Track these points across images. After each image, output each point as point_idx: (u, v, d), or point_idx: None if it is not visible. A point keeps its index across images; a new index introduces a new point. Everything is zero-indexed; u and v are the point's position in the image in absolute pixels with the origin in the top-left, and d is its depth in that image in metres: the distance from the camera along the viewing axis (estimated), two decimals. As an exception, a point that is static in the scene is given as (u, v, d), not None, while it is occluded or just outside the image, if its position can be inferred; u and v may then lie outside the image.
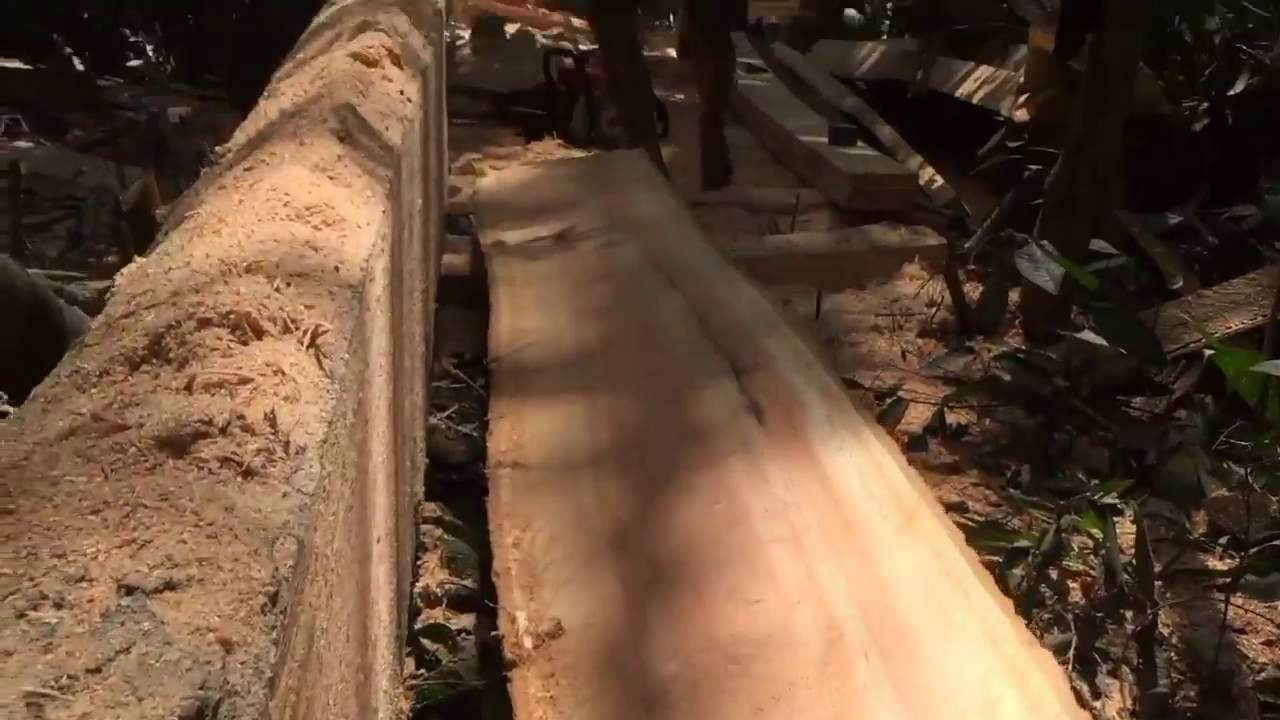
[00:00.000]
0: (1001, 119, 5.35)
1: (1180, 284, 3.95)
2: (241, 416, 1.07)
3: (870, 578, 1.98)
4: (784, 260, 4.62)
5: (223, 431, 1.05)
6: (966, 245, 4.99)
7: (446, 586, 2.50)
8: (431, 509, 2.69)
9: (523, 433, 2.60)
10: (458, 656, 2.24)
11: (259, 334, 1.25)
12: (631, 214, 4.02)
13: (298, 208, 1.67)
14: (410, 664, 2.24)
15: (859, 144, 6.07)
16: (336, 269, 1.51)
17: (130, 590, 0.84)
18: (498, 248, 3.87)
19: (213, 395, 1.12)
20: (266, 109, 2.46)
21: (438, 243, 3.84)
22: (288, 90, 2.52)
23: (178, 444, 1.03)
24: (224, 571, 0.88)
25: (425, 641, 2.28)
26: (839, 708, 1.75)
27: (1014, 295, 4.14)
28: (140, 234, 2.70)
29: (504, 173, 4.96)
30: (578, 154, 6.13)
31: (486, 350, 3.72)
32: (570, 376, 2.83)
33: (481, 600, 2.52)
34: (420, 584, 2.47)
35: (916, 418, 3.55)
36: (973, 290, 4.41)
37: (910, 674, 1.82)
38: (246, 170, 1.88)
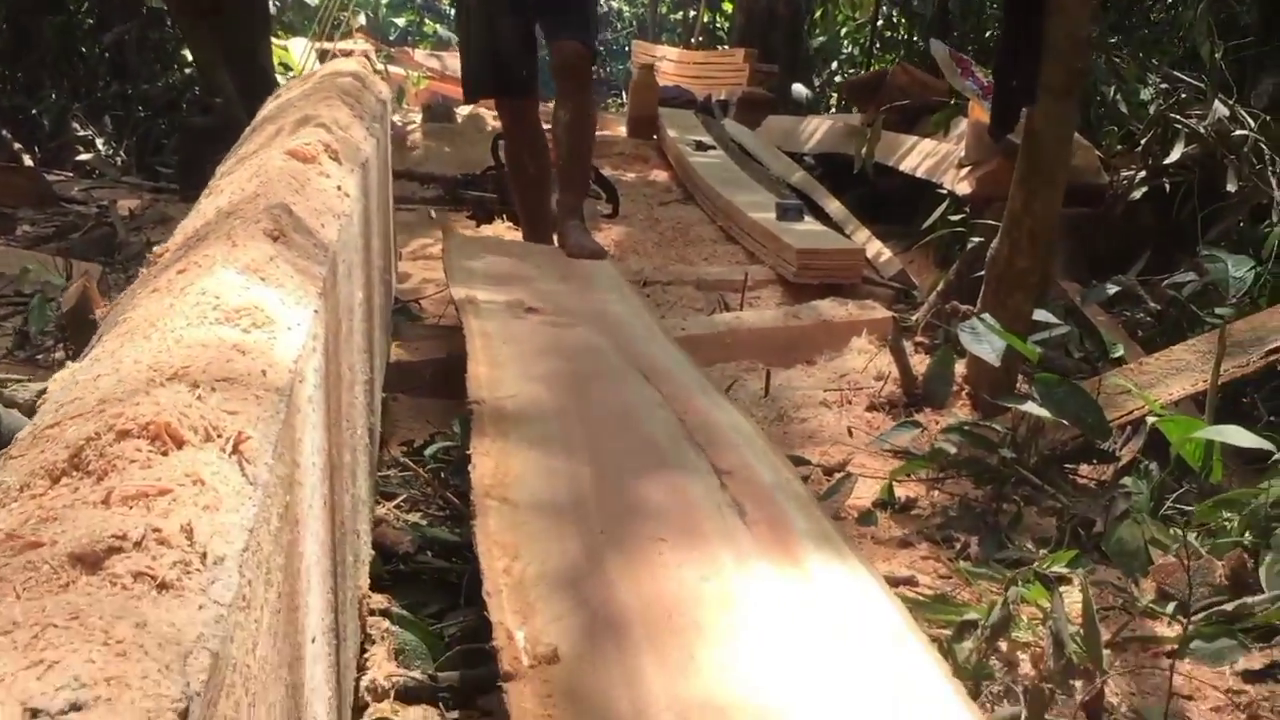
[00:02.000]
0: (945, 192, 5.42)
1: (1122, 352, 3.99)
2: (158, 529, 1.08)
3: (862, 686, 1.97)
4: (733, 337, 4.65)
5: (137, 546, 1.05)
6: (913, 318, 5.04)
7: (394, 679, 2.48)
8: (379, 601, 2.69)
9: (507, 472, 2.59)
10: (405, 754, 2.23)
11: (179, 444, 1.26)
12: (599, 307, 4.06)
13: (227, 310, 1.68)
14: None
15: (806, 219, 6.13)
16: (264, 372, 1.52)
17: (36, 713, 0.84)
18: (470, 304, 3.88)
19: (130, 508, 1.13)
20: (205, 208, 2.49)
21: (384, 331, 3.85)
22: (226, 188, 2.54)
23: (91, 560, 1.03)
24: (132, 689, 0.88)
25: (371, 738, 2.26)
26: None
27: (961, 368, 4.17)
28: (78, 335, 2.70)
29: (470, 241, 5.00)
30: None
31: (434, 435, 3.75)
32: (552, 437, 2.82)
33: (433, 693, 2.51)
34: (367, 678, 2.46)
35: (865, 492, 3.57)
36: (920, 364, 4.45)
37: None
38: (180, 273, 1.89)
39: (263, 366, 1.54)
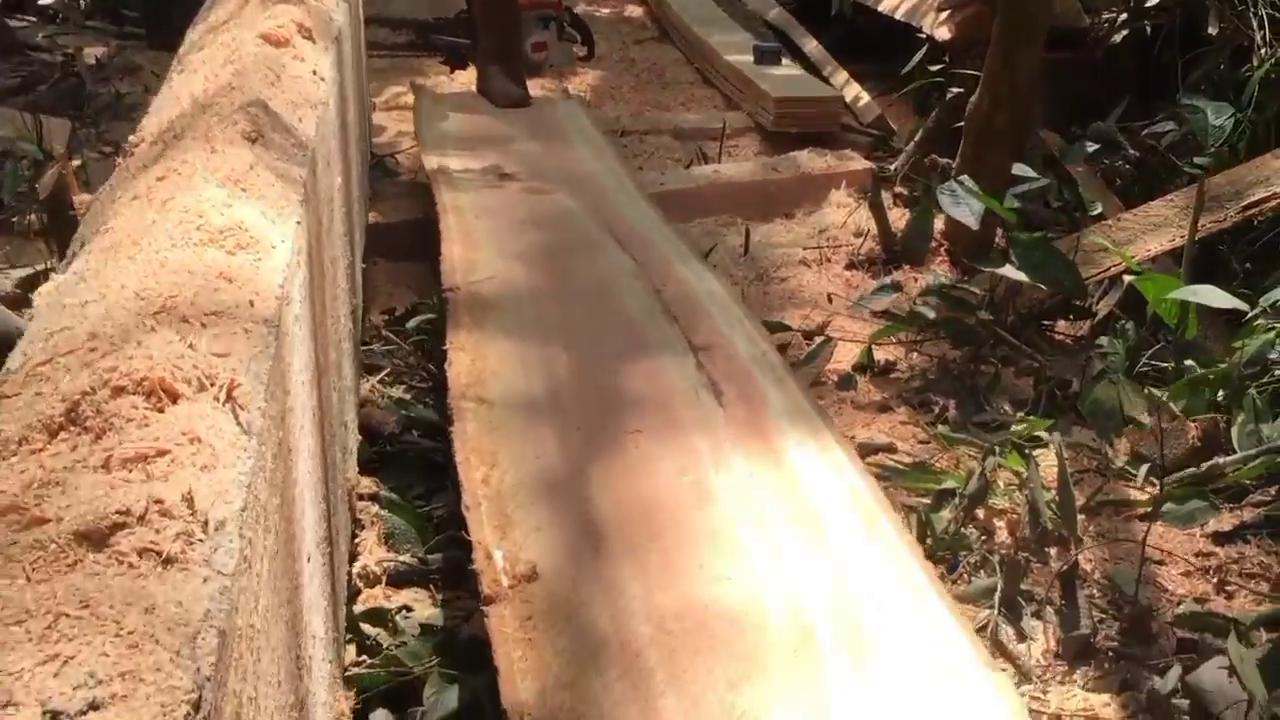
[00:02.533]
0: (923, 36, 5.36)
1: (1100, 209, 3.99)
2: (159, 501, 1.10)
3: (834, 575, 2.01)
4: (712, 191, 4.63)
5: (141, 520, 1.07)
6: (892, 167, 5.02)
7: (385, 564, 2.53)
8: (367, 484, 2.72)
9: (483, 368, 2.62)
10: (398, 640, 2.28)
11: (174, 398, 1.27)
12: (574, 167, 4.05)
13: (211, 231, 1.68)
14: (351, 650, 2.28)
15: (784, 61, 6.07)
16: (251, 302, 1.52)
17: (56, 716, 0.87)
18: (443, 175, 3.87)
19: (130, 472, 1.15)
20: (178, 89, 2.45)
21: (362, 203, 3.83)
22: (199, 70, 2.51)
23: (97, 537, 1.05)
24: (146, 684, 0.91)
25: (365, 627, 2.31)
26: (813, 700, 1.78)
27: (940, 223, 4.17)
28: (58, 226, 2.69)
29: (440, 100, 4.94)
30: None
31: (415, 306, 3.76)
32: (527, 321, 2.85)
33: (423, 575, 2.57)
34: (358, 564, 2.51)
35: (845, 356, 3.60)
36: (899, 218, 4.45)
37: (875, 674, 1.85)
38: (160, 180, 1.88)
39: (250, 295, 1.55)
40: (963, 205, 3.53)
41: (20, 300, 2.53)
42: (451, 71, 6.53)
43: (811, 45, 6.72)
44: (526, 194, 3.70)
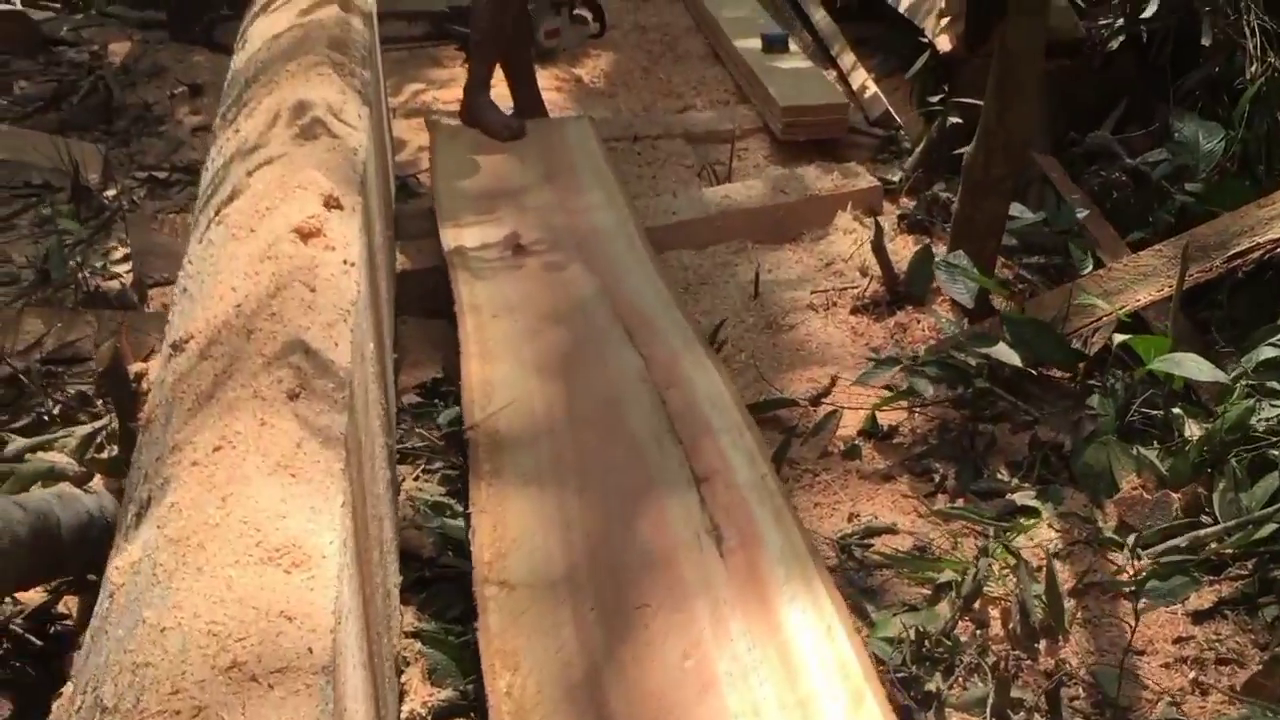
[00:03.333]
0: (925, 40, 5.48)
1: (1089, 267, 4.17)
2: None
3: None
4: (723, 219, 4.82)
5: None
6: (896, 179, 5.19)
7: (430, 704, 2.79)
8: (409, 621, 2.98)
9: (504, 537, 2.87)
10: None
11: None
12: (587, 224, 4.24)
13: (269, 549, 1.91)
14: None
15: (792, 47, 6.19)
16: (310, 649, 1.76)
17: None
18: (459, 257, 4.07)
19: None
20: (221, 281, 2.65)
21: (389, 269, 4.03)
22: (238, 258, 2.70)
23: None
24: None
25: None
26: None
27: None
28: (118, 394, 2.91)
29: (455, 135, 5.11)
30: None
31: (447, 370, 3.98)
32: (543, 462, 3.09)
33: (465, 710, 2.82)
34: (406, 708, 2.77)
35: (850, 419, 3.82)
36: (903, 247, 4.65)
37: None
38: (216, 451, 2.11)
39: (308, 638, 1.78)
40: (959, 284, 3.73)
41: (86, 477, 2.76)
42: (467, 59, 6.67)
43: (819, 15, 6.82)
44: (542, 274, 3.91)
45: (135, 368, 3.08)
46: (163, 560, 1.91)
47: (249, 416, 2.19)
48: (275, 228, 2.79)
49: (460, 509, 3.38)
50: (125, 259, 4.80)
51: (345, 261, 2.76)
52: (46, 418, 3.61)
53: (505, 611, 2.62)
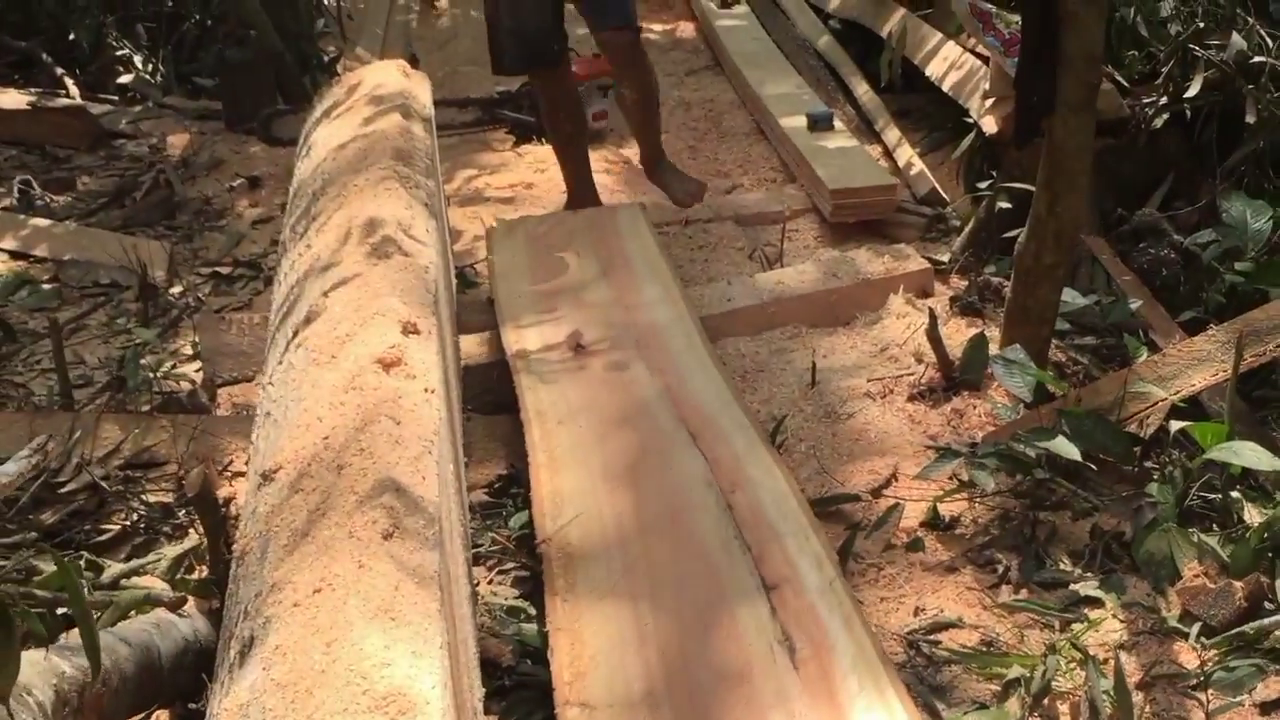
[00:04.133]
0: (971, 120, 5.57)
1: (1144, 355, 4.22)
2: None
3: None
4: (777, 306, 4.91)
5: None
6: (945, 259, 5.27)
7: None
8: (492, 730, 3.06)
9: (582, 655, 2.94)
10: None
11: None
12: (640, 318, 4.34)
13: (375, 697, 1.99)
14: None
15: (837, 125, 6.29)
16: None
17: None
18: (522, 361, 4.17)
19: None
20: (306, 409, 2.74)
21: (456, 371, 4.12)
22: (320, 386, 2.80)
23: None
24: None
25: None
26: None
27: (995, 348, 4.43)
28: (208, 517, 3.01)
29: (511, 230, 5.21)
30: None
31: (513, 466, 4.08)
32: (615, 575, 3.16)
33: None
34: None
35: (912, 510, 3.89)
36: (955, 332, 4.72)
37: None
38: (316, 593, 2.20)
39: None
40: (1016, 378, 3.81)
41: (179, 601, 2.86)
42: (516, 145, 6.82)
43: (862, 89, 6.93)
44: (605, 376, 4.00)
45: (223, 492, 3.18)
46: (271, 705, 2.00)
47: (346, 558, 2.28)
48: (357, 355, 2.89)
49: (533, 612, 3.47)
50: (194, 358, 4.92)
51: (426, 390, 2.85)
52: (129, 528, 3.72)
53: (587, 736, 2.70)
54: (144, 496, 3.96)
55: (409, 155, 3.99)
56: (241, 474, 4.08)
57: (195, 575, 3.16)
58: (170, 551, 3.25)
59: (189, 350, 4.99)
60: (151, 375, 4.49)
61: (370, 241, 3.45)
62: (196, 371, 4.82)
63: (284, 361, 3.11)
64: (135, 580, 3.06)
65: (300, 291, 3.39)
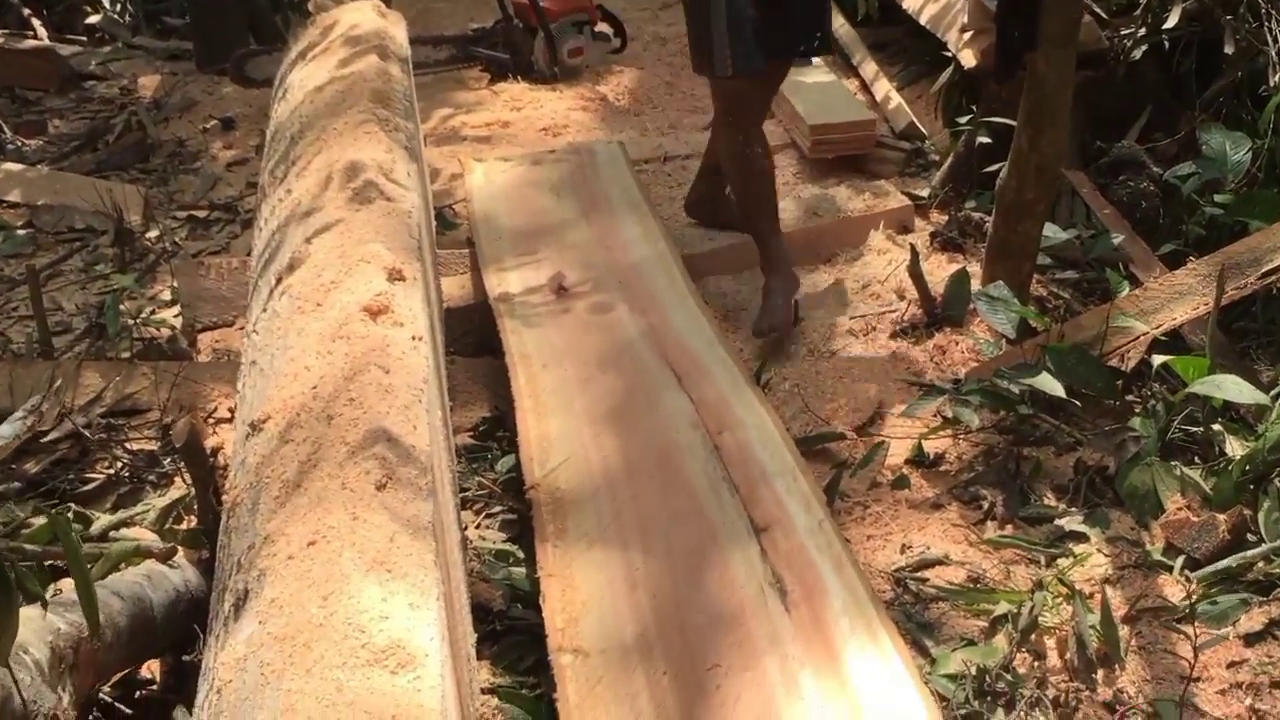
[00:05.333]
0: (949, 54, 5.54)
1: (1125, 290, 4.23)
2: None
3: None
4: (759, 244, 4.89)
5: None
6: (925, 194, 5.26)
7: (511, 762, 2.89)
8: (485, 677, 3.07)
9: (574, 601, 2.95)
10: None
11: None
12: (622, 258, 4.33)
13: (375, 650, 1.99)
14: None
15: (814, 61, 6.24)
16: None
17: None
18: (505, 304, 4.15)
19: None
20: (294, 358, 2.73)
21: (439, 315, 4.10)
22: (306, 332, 2.79)
23: None
24: None
25: None
26: None
27: (977, 283, 4.44)
28: (196, 468, 3.00)
29: (489, 172, 5.18)
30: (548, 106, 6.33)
31: (498, 409, 4.07)
32: (604, 520, 3.16)
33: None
34: (488, 772, 2.87)
35: (897, 448, 3.90)
36: (937, 267, 4.72)
37: None
38: (311, 545, 2.20)
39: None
40: (1000, 315, 3.81)
41: (169, 552, 2.85)
42: (492, 82, 6.77)
43: (839, 23, 6.87)
44: (588, 318, 3.99)
45: (211, 441, 3.17)
46: (270, 659, 2.00)
47: (340, 510, 2.27)
48: (343, 303, 2.87)
49: (522, 555, 3.48)
50: (173, 303, 4.89)
51: (414, 337, 2.84)
52: (114, 478, 3.71)
53: (581, 680, 2.70)
54: (127, 445, 3.94)
55: (387, 97, 3.95)
56: (226, 420, 4.07)
57: (184, 526, 3.15)
58: (158, 502, 3.24)
59: (167, 295, 4.96)
60: (131, 322, 4.45)
61: (352, 186, 3.42)
62: (176, 317, 4.79)
63: (268, 309, 3.09)
64: (124, 532, 3.05)
65: (282, 238, 3.36)
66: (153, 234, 5.47)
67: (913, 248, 4.46)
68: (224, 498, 2.57)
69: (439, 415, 2.90)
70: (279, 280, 3.14)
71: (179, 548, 2.87)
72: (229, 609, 2.27)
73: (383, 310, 2.86)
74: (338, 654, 1.99)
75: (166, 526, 3.12)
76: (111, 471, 3.74)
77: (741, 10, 4.16)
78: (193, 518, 3.19)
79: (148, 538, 2.96)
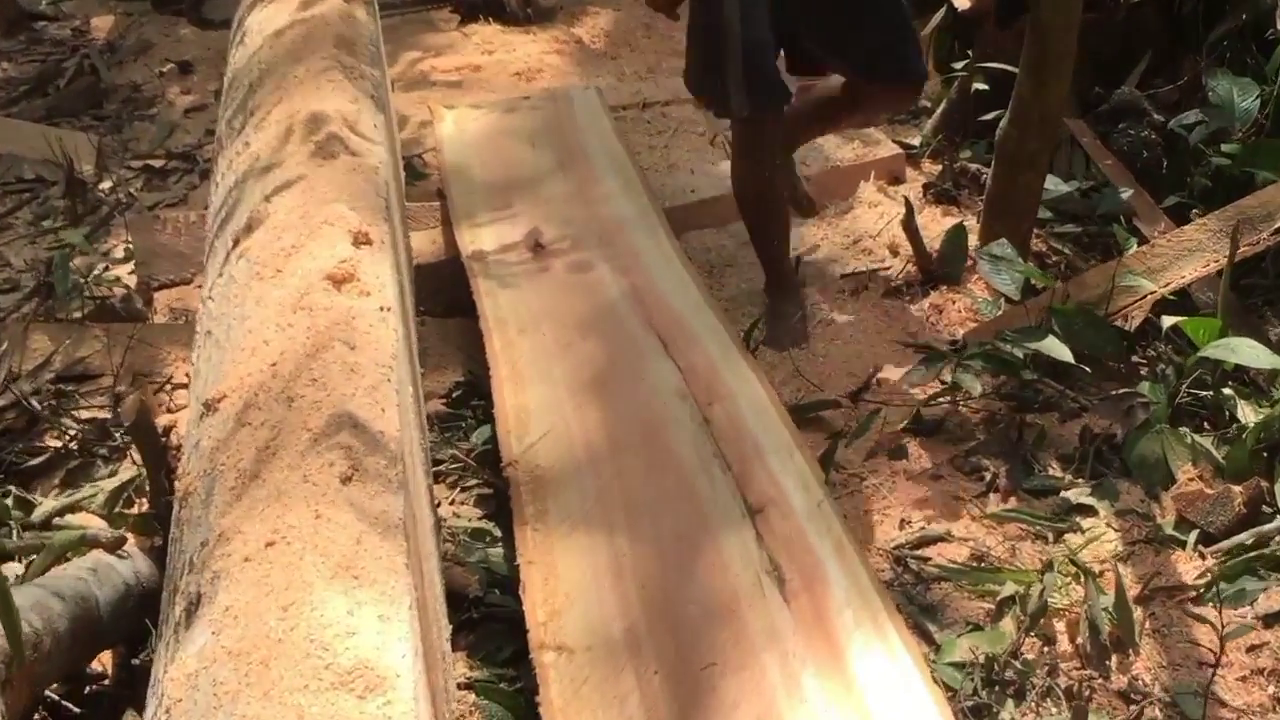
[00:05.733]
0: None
1: (1133, 247, 4.03)
2: None
3: None
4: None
5: None
6: (917, 143, 5.04)
7: (489, 760, 2.69)
8: (461, 671, 2.86)
9: (556, 592, 2.73)
10: None
11: None
12: (602, 212, 4.09)
13: (339, 672, 1.78)
14: None
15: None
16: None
17: None
18: (479, 263, 3.92)
19: None
20: (252, 331, 2.51)
21: (408, 274, 3.87)
22: (265, 304, 2.56)
23: None
24: None
25: None
26: None
27: (974, 238, 4.23)
28: (147, 447, 2.78)
29: (461, 120, 4.91)
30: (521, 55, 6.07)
31: (475, 371, 3.84)
32: (588, 501, 2.94)
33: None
34: (464, 770, 2.67)
35: (893, 414, 3.70)
36: (931, 221, 4.51)
37: None
38: (269, 546, 1.98)
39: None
40: (1004, 275, 3.60)
41: (118, 541, 2.63)
42: (462, 23, 6.51)
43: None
44: (567, 278, 3.76)
45: (163, 420, 2.93)
46: (224, 678, 1.79)
47: (302, 506, 2.06)
48: (304, 270, 2.64)
49: (499, 534, 3.27)
50: (127, 260, 4.65)
51: (381, 308, 2.61)
52: (62, 451, 3.49)
53: (566, 681, 2.49)
54: (77, 413, 3.72)
55: (352, 43, 3.71)
56: (182, 386, 3.84)
57: (135, 511, 2.93)
58: (107, 484, 3.01)
59: (121, 252, 4.71)
60: (82, 280, 4.20)
61: (314, 140, 3.18)
62: (130, 274, 4.55)
63: (224, 274, 2.87)
64: (69, 519, 2.82)
65: (240, 195, 3.13)
66: (106, 185, 5.21)
67: (907, 201, 4.24)
68: (177, 485, 2.35)
69: (409, 393, 2.68)
70: (236, 242, 2.92)
71: (128, 536, 2.64)
72: (180, 613, 2.05)
73: (347, 278, 2.63)
74: (298, 675, 1.78)
75: (116, 510, 2.89)
76: (60, 445, 3.51)
77: (757, 36, 3.66)
78: (144, 501, 2.96)
79: (95, 524, 2.74)
